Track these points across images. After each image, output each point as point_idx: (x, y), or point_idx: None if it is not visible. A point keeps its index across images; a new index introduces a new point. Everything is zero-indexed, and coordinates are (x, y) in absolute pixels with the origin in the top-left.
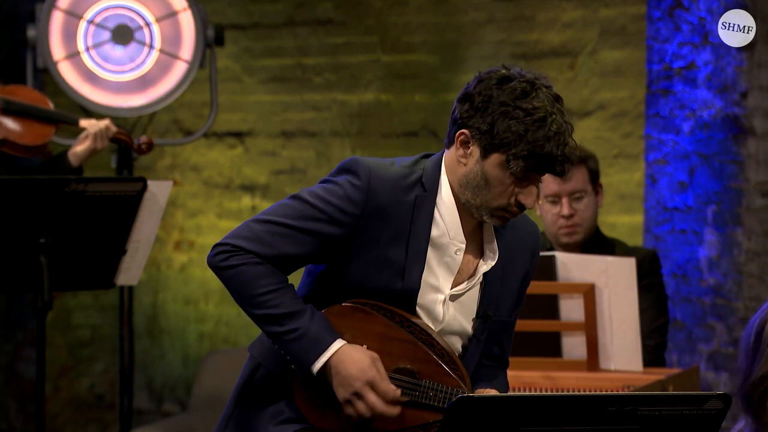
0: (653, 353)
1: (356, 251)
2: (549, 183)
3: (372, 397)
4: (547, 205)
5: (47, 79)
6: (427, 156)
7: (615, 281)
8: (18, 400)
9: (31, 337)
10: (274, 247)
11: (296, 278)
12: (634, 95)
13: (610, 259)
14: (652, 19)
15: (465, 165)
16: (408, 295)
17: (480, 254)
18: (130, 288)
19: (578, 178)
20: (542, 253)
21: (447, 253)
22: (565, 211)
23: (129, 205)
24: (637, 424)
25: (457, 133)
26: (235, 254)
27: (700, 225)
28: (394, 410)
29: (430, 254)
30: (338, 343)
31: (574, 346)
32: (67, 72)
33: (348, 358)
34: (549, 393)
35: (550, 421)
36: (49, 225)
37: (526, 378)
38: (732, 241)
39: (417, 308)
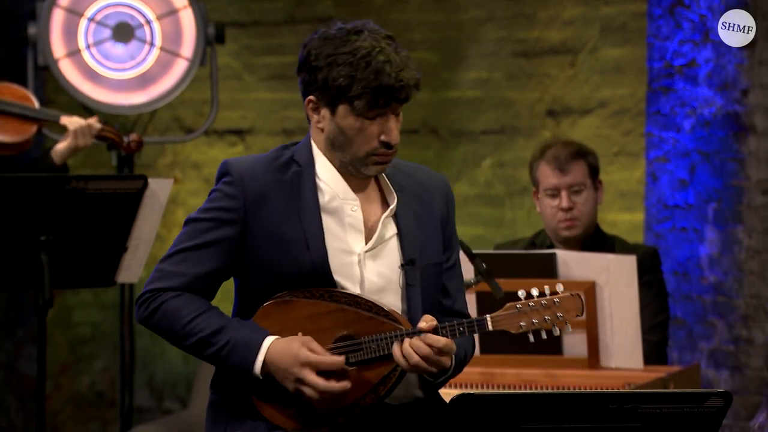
0: (655, 348)
1: (257, 243)
2: (548, 177)
3: (312, 378)
4: (546, 199)
5: (48, 76)
6: (294, 143)
7: (616, 279)
8: (19, 397)
9: (32, 335)
10: (184, 274)
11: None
12: (634, 93)
13: (610, 257)
14: (652, 17)
15: (323, 129)
16: (320, 265)
17: (385, 208)
18: (131, 286)
19: (577, 171)
20: (543, 251)
21: (345, 213)
22: (564, 203)
23: (130, 202)
24: (638, 422)
25: (305, 103)
26: (152, 299)
27: (701, 223)
28: (339, 385)
29: (329, 221)
30: (268, 340)
31: (574, 343)
32: (67, 70)
33: (280, 350)
34: (550, 391)
35: (551, 419)
36: (50, 223)
37: (526, 376)
38: (733, 239)
39: (335, 276)
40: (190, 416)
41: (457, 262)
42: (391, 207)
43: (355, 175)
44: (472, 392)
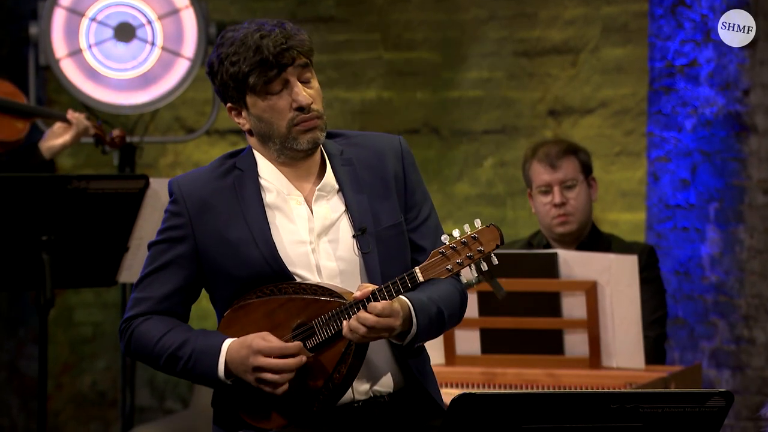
0: (653, 344)
1: (210, 253)
2: (540, 174)
3: (267, 361)
4: (540, 197)
5: (49, 76)
6: (237, 152)
7: (617, 279)
8: (20, 397)
9: (33, 335)
10: (150, 298)
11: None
12: (636, 93)
13: (612, 256)
14: (654, 17)
15: (249, 126)
16: (273, 260)
17: (330, 192)
18: (132, 285)
19: (568, 167)
20: (544, 251)
21: (291, 206)
22: (556, 199)
23: (131, 202)
24: (640, 422)
25: (228, 113)
26: (126, 329)
27: (702, 222)
28: (294, 361)
29: (277, 215)
30: (226, 343)
31: (576, 343)
32: (69, 69)
33: (237, 348)
34: (551, 391)
35: (552, 419)
36: (52, 222)
37: (528, 375)
38: (734, 239)
39: (291, 269)
40: (191, 416)
41: (430, 217)
42: (317, 187)
43: (293, 159)
44: (473, 392)
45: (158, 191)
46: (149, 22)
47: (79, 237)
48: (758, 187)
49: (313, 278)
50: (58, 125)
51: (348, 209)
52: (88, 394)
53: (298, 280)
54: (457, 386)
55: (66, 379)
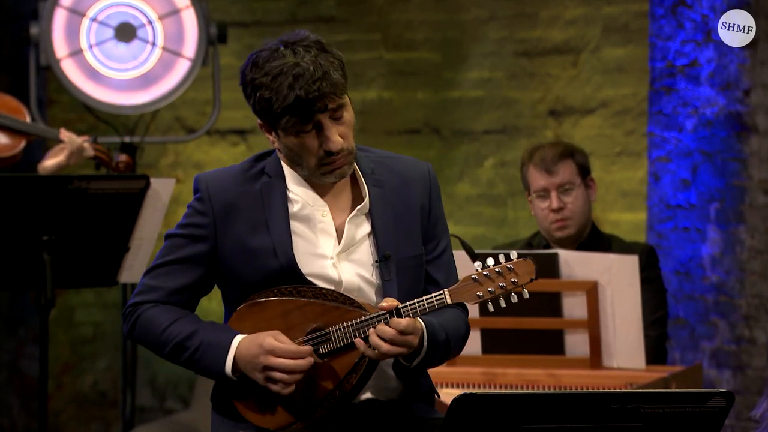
0: (654, 344)
1: (228, 255)
2: (537, 179)
3: (277, 361)
4: (537, 201)
5: (50, 76)
6: (265, 154)
7: (618, 279)
8: (21, 397)
9: (34, 335)
10: (161, 288)
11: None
12: (637, 93)
13: (613, 256)
14: (654, 17)
15: (278, 148)
16: (290, 270)
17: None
18: (133, 285)
19: (565, 171)
20: (545, 251)
21: (316, 219)
22: (554, 204)
23: (132, 202)
24: (640, 422)
25: (258, 126)
26: (132, 313)
27: (703, 222)
28: (304, 362)
29: (301, 227)
30: (237, 339)
31: (577, 343)
32: (70, 70)
33: (248, 345)
34: (552, 391)
35: (553, 419)
36: (52, 222)
37: (528, 376)
38: (735, 239)
39: (310, 279)
40: (192, 416)
41: (446, 251)
42: (358, 207)
43: (320, 183)
44: (473, 392)
45: (159, 191)
46: (150, 23)
47: (79, 237)
48: (759, 187)
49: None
50: (58, 146)
51: (374, 233)
52: (89, 394)
53: (314, 285)
54: (457, 386)
55: (67, 379)
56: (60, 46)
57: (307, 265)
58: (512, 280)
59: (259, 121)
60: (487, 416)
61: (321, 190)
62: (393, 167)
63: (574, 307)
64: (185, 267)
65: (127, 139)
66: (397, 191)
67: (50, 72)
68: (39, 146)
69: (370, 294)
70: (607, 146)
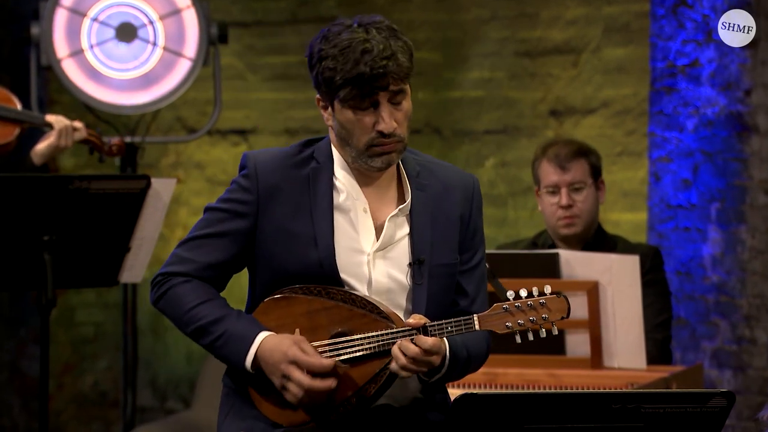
0: (660, 347)
1: (267, 237)
2: (549, 174)
3: (298, 375)
4: (547, 196)
5: (51, 76)
6: (317, 139)
7: (619, 279)
8: (21, 397)
9: (35, 335)
10: (196, 261)
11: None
12: (637, 93)
13: (613, 256)
14: (655, 17)
15: (332, 126)
16: (327, 263)
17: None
18: (134, 285)
19: (578, 169)
20: (546, 251)
21: (357, 213)
22: (563, 201)
23: (133, 202)
24: (641, 422)
25: (316, 101)
26: (163, 282)
27: (704, 222)
28: (324, 383)
29: (342, 219)
30: (261, 335)
31: (577, 343)
32: (70, 70)
33: (271, 346)
34: (553, 391)
35: (554, 419)
36: (53, 222)
37: (529, 376)
38: (736, 239)
39: (342, 275)
40: (192, 416)
41: (480, 264)
42: (400, 207)
43: (366, 170)
44: (474, 392)
45: (159, 191)
46: (151, 23)
47: (80, 237)
48: (760, 187)
49: (361, 289)
50: (50, 131)
51: (412, 235)
52: (90, 395)
53: (350, 288)
54: (458, 386)
55: (67, 379)
56: (61, 46)
57: (342, 258)
58: (543, 315)
59: (317, 95)
60: (488, 416)
61: (365, 181)
62: (438, 173)
63: (574, 307)
64: (222, 242)
65: (128, 139)
66: (439, 198)
67: (51, 72)
68: (39, 136)
69: (399, 297)
70: (607, 146)
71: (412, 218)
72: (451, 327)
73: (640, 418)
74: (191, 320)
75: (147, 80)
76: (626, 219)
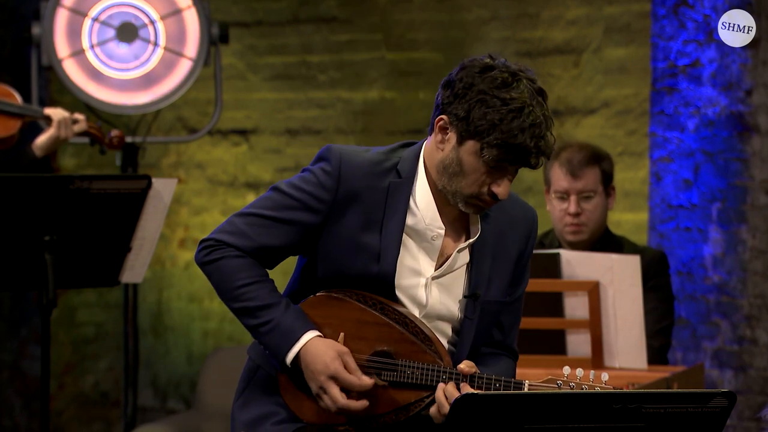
0: (657, 355)
1: (332, 238)
2: (559, 179)
3: (335, 392)
4: (556, 201)
5: (52, 77)
6: (408, 145)
7: (620, 279)
8: (22, 397)
9: (36, 335)
10: (254, 239)
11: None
12: (638, 93)
13: (614, 256)
14: (656, 17)
15: (442, 151)
16: (385, 279)
17: (465, 238)
18: (135, 285)
19: (590, 177)
20: (547, 251)
21: (425, 238)
22: (572, 209)
23: (134, 202)
24: (642, 422)
25: (437, 119)
26: (217, 248)
27: (705, 222)
28: (358, 404)
29: (408, 240)
30: (309, 335)
31: (578, 343)
32: (71, 70)
33: (315, 351)
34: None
35: (554, 419)
36: (54, 222)
37: (530, 376)
38: (737, 239)
39: (397, 292)
40: (194, 416)
41: (520, 298)
42: (468, 241)
43: (450, 203)
44: (475, 392)
45: (161, 191)
46: (152, 22)
47: (81, 237)
48: (761, 187)
49: (413, 310)
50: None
51: (471, 267)
52: (91, 395)
53: (393, 304)
54: None
55: (68, 379)
56: (62, 46)
57: (401, 278)
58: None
59: (446, 117)
60: (489, 416)
61: (443, 209)
62: (505, 206)
63: (575, 307)
64: (285, 229)
65: (129, 139)
66: (502, 234)
67: (52, 72)
68: (39, 131)
69: (447, 326)
70: (608, 146)
71: (474, 250)
72: (500, 384)
73: (640, 418)
74: (239, 297)
75: (148, 80)
76: (627, 219)
